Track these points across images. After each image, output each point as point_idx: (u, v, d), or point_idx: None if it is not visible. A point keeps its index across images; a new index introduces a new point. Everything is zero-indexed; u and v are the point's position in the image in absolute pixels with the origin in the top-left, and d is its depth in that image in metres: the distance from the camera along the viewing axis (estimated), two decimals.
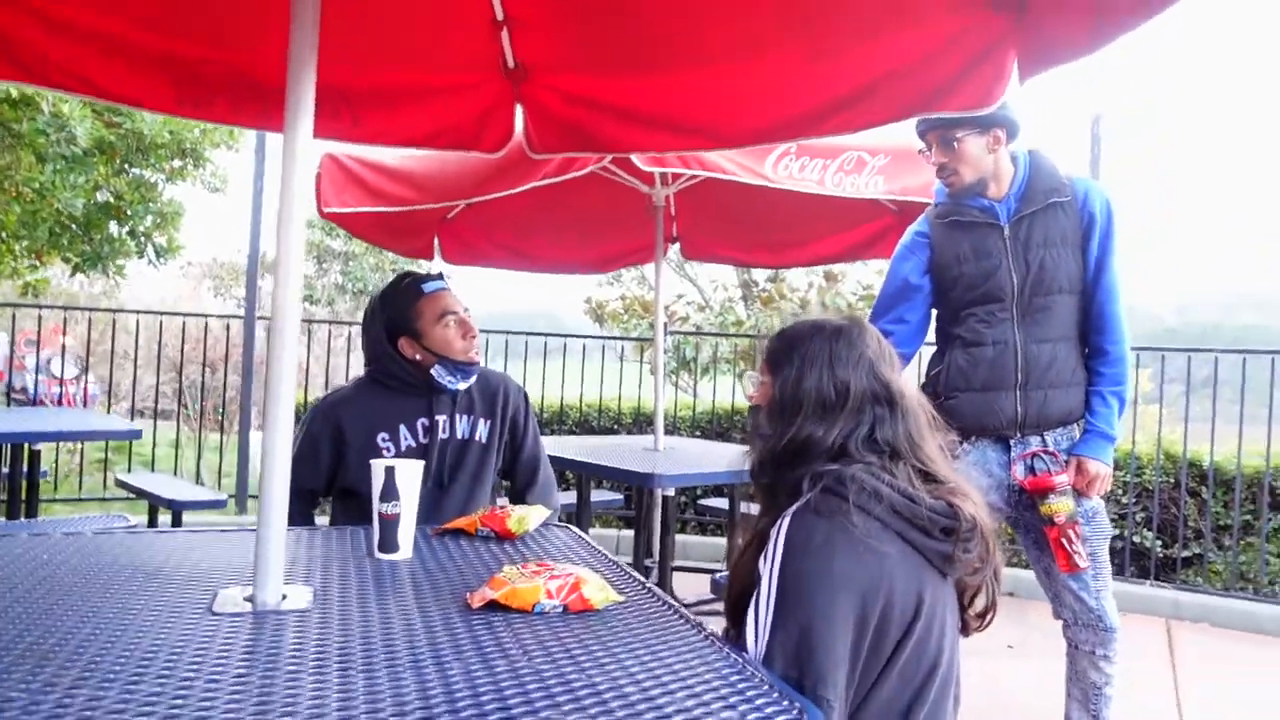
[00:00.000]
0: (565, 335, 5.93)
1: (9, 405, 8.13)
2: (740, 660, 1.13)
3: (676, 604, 1.36)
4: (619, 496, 4.72)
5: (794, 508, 1.26)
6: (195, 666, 1.04)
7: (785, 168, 2.79)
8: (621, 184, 3.88)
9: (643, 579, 1.51)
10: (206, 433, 6.94)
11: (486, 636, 1.18)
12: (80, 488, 5.87)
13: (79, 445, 7.18)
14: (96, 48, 2.05)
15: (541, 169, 2.66)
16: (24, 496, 3.73)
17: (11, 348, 7.90)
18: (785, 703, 1.00)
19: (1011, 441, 2.26)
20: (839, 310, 7.75)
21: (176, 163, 6.21)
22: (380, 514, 1.59)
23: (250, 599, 1.29)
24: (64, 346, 7.11)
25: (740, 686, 1.05)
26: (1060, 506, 2.12)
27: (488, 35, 2.28)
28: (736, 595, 1.27)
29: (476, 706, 0.95)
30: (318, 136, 2.39)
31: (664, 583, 3.63)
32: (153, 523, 4.23)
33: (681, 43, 2.18)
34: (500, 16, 2.23)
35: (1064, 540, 2.12)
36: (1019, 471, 2.23)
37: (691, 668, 1.10)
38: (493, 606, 1.29)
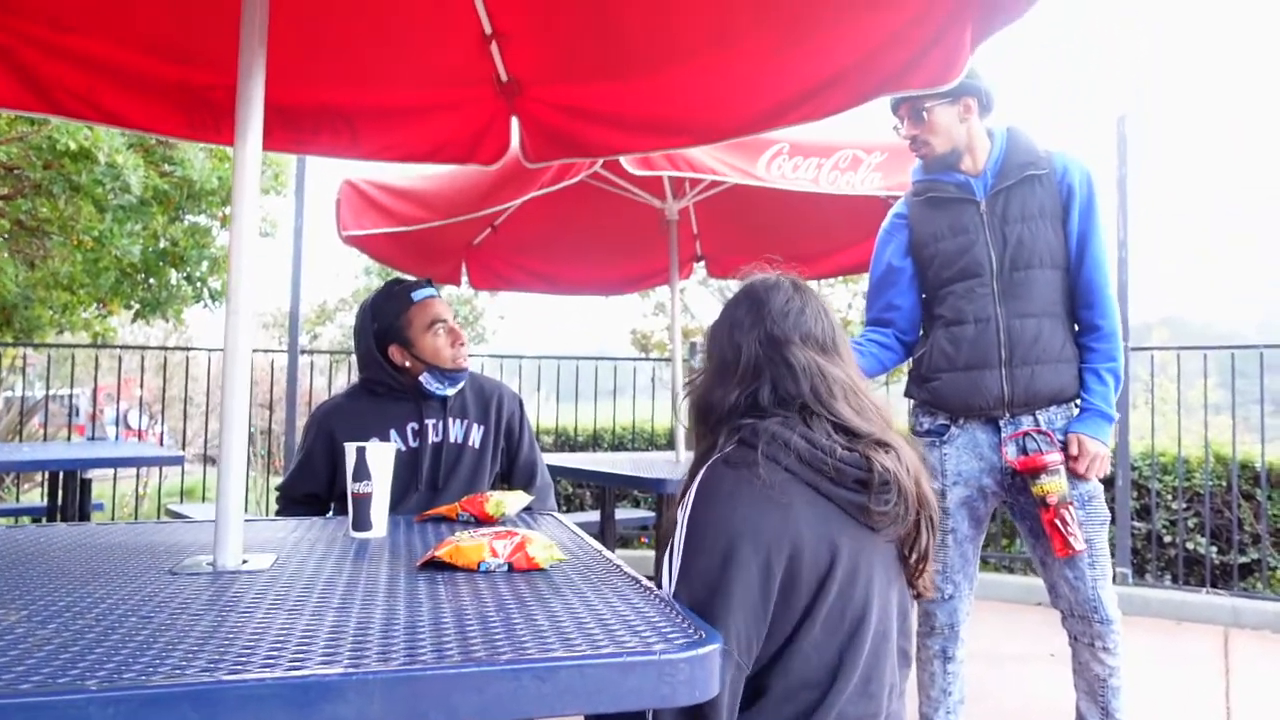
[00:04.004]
0: (571, 358, 6.03)
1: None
2: (666, 601, 1.15)
3: (623, 565, 1.39)
4: (651, 514, 4.73)
5: (711, 459, 1.29)
6: (149, 617, 1.10)
7: (778, 167, 2.82)
8: (638, 202, 3.95)
9: (600, 547, 1.53)
10: (261, 473, 7.13)
11: (425, 588, 1.22)
12: (135, 519, 6.11)
13: (143, 486, 7.45)
14: (110, 76, 2.20)
15: (538, 179, 2.74)
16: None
17: (94, 403, 8.30)
18: (690, 629, 1.01)
19: (1001, 422, 2.20)
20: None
21: (227, 209, 6.51)
22: (353, 494, 1.65)
23: (212, 563, 1.35)
24: (140, 399, 7.43)
25: (655, 620, 1.06)
26: (1053, 486, 2.05)
27: (479, 50, 2.38)
28: (664, 546, 1.29)
29: (385, 641, 0.99)
30: (321, 154, 2.53)
31: None
32: None
33: (658, 45, 2.26)
34: (489, 31, 2.33)
35: (1058, 522, 2.05)
36: (1010, 452, 2.17)
37: (613, 607, 1.12)
38: (442, 566, 1.33)
